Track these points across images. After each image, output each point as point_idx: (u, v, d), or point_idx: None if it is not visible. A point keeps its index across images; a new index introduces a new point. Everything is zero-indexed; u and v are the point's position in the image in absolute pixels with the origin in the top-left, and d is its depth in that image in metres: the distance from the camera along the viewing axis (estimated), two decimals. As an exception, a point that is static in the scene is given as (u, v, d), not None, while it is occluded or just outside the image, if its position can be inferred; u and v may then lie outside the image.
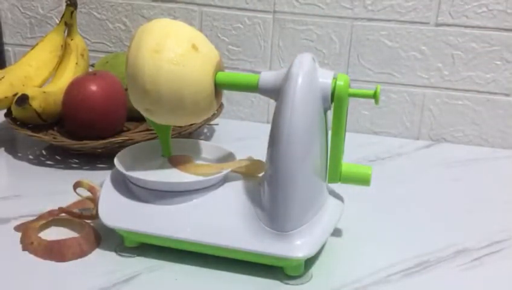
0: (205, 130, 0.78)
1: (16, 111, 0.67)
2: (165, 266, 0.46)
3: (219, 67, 0.46)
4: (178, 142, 0.53)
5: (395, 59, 0.77)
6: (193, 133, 0.71)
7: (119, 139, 0.64)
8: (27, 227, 0.48)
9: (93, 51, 0.85)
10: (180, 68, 0.42)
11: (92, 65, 0.78)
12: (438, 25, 0.75)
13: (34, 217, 0.50)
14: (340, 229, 0.52)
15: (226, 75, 0.46)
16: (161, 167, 0.49)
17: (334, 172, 0.47)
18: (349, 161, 0.48)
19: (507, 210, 0.59)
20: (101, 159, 0.66)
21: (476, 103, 0.77)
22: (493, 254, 0.49)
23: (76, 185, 0.51)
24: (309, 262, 0.46)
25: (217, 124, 0.78)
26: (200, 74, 0.44)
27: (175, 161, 0.50)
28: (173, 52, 0.43)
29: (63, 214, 0.50)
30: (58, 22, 0.78)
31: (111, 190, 0.47)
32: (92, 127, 0.65)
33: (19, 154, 0.68)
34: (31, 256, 0.46)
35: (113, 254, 0.47)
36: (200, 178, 0.47)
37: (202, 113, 0.46)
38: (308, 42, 0.79)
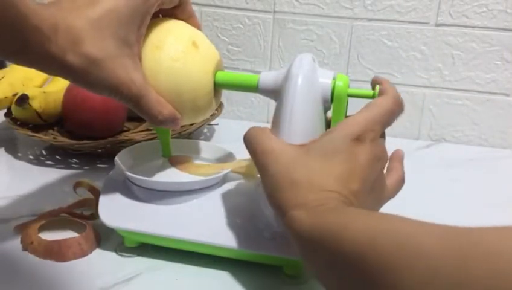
0: (205, 130, 0.78)
1: (16, 111, 0.67)
2: (165, 266, 0.46)
3: (219, 67, 0.46)
4: (178, 142, 0.53)
5: (395, 59, 0.77)
6: (193, 133, 0.71)
7: (119, 139, 0.64)
8: (27, 227, 0.48)
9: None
10: (180, 65, 0.42)
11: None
12: (438, 25, 0.75)
13: (34, 217, 0.50)
14: (340, 229, 0.52)
15: (225, 75, 0.46)
16: (161, 167, 0.49)
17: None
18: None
19: (507, 210, 0.59)
20: (101, 159, 0.66)
21: (476, 103, 0.77)
22: None
23: (76, 185, 0.51)
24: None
25: (217, 124, 0.78)
26: (200, 71, 0.43)
27: (175, 161, 0.50)
28: (174, 48, 0.43)
29: (63, 214, 0.50)
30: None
31: (111, 190, 0.47)
32: (92, 127, 0.65)
33: (19, 154, 0.68)
34: (31, 256, 0.46)
35: (113, 254, 0.47)
36: (200, 178, 0.47)
37: (201, 111, 0.46)
38: (308, 42, 0.79)
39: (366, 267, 0.27)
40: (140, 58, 0.41)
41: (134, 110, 0.41)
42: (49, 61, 0.36)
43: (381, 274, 0.26)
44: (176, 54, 0.42)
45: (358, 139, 0.36)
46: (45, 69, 0.37)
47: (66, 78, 0.38)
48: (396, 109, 0.39)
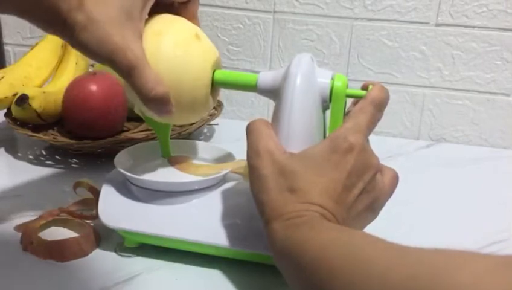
0: (205, 130, 0.78)
1: (15, 111, 0.67)
2: (165, 266, 0.46)
3: (218, 64, 0.46)
4: (177, 143, 0.53)
5: (395, 59, 0.77)
6: (193, 133, 0.71)
7: (119, 139, 0.64)
8: (27, 227, 0.48)
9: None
10: (181, 52, 0.42)
11: (92, 65, 0.79)
12: (438, 25, 0.75)
13: (34, 217, 0.50)
14: (340, 229, 0.52)
15: (224, 74, 0.45)
16: (161, 167, 0.49)
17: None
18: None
19: (507, 210, 0.59)
20: (101, 159, 0.66)
21: (476, 102, 0.77)
22: (493, 253, 0.49)
23: (76, 185, 0.51)
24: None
25: (216, 124, 0.78)
26: (200, 61, 0.43)
27: (174, 161, 0.50)
28: (176, 36, 0.42)
29: (63, 214, 0.51)
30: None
31: (111, 190, 0.47)
32: (92, 127, 0.65)
33: (19, 154, 0.68)
34: (31, 256, 0.46)
35: (113, 254, 0.47)
36: (200, 178, 0.47)
37: (197, 107, 0.45)
38: (308, 42, 0.79)
39: (320, 275, 0.31)
40: (141, 37, 0.41)
41: (128, 83, 0.40)
42: (54, 18, 0.37)
43: (330, 280, 0.30)
44: (178, 41, 0.42)
45: (346, 149, 0.37)
46: (48, 26, 0.38)
47: (64, 37, 0.38)
48: (379, 110, 0.40)
